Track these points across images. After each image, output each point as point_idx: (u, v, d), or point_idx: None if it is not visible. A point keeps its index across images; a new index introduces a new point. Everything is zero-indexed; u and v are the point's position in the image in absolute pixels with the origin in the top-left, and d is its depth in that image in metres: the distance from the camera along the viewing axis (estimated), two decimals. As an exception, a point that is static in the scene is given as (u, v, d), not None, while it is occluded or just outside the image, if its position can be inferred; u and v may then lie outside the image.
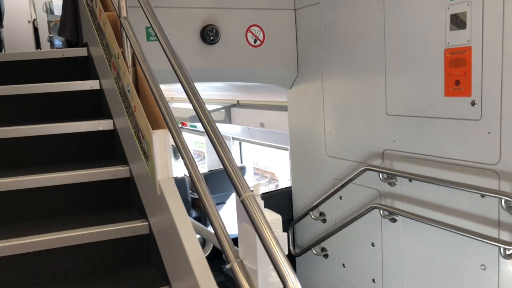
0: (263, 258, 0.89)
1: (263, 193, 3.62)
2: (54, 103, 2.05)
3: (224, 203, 4.66)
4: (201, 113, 1.11)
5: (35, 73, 2.21)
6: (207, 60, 2.59)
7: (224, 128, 4.60)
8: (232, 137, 5.15)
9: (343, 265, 2.78)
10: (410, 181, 2.19)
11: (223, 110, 4.18)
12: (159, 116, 1.40)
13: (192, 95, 1.16)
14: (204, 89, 4.33)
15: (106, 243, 1.54)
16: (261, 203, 0.91)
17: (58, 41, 6.87)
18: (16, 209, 1.65)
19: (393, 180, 2.28)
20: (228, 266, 0.93)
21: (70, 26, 2.22)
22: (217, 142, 1.03)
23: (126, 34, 1.55)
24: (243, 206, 0.88)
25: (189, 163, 1.20)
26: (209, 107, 5.30)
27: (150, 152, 1.38)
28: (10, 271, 1.43)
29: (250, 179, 5.50)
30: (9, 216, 1.62)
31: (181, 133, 1.33)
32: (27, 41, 5.96)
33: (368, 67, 2.36)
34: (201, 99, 1.16)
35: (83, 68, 2.22)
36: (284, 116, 3.32)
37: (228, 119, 4.25)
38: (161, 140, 1.36)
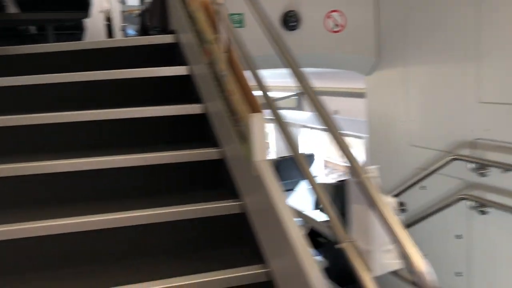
0: (378, 238, 0.89)
1: (338, 181, 3.59)
2: (143, 89, 2.16)
3: (292, 189, 4.69)
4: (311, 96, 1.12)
5: (122, 59, 2.33)
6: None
7: (293, 115, 4.61)
8: (301, 125, 5.15)
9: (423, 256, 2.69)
10: (506, 171, 2.06)
11: (295, 98, 4.19)
12: (255, 100, 1.43)
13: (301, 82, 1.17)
14: (273, 76, 4.35)
15: (201, 220, 1.62)
16: (378, 184, 0.91)
17: (131, 31, 7.22)
18: (115, 187, 1.78)
19: (485, 171, 2.16)
20: (340, 246, 0.94)
21: (159, 14, 2.32)
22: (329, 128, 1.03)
23: (221, 20, 1.59)
24: (360, 187, 0.88)
25: (292, 145, 1.22)
26: (281, 94, 5.34)
27: (247, 135, 1.41)
28: (118, 242, 1.55)
29: (319, 169, 5.47)
30: (113, 192, 1.74)
31: (281, 116, 1.36)
32: (99, 31, 6.22)
33: (457, 51, 2.24)
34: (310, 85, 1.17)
35: (169, 54, 2.31)
36: (359, 103, 3.26)
37: (300, 106, 4.25)
38: (258, 123, 1.39)
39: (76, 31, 4.40)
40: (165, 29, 2.36)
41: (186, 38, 2.08)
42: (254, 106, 1.41)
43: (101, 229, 1.52)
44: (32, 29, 4.14)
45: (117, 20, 7.50)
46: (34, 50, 2.28)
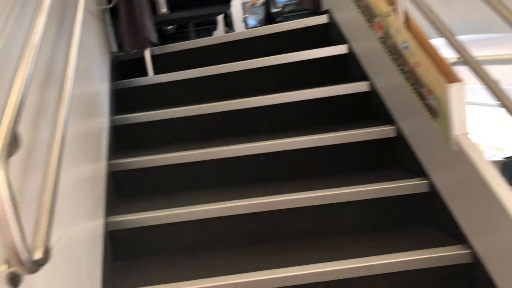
0: None
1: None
2: (301, 72, 2.18)
3: None
4: None
5: (276, 45, 2.38)
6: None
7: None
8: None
9: None
10: None
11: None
12: (451, 69, 1.34)
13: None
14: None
15: (383, 200, 1.58)
16: None
17: (252, 21, 7.42)
18: (290, 167, 1.82)
19: None
20: None
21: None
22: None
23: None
24: None
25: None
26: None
27: (442, 108, 1.33)
28: (305, 220, 1.58)
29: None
30: (290, 172, 1.79)
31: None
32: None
33: None
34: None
35: (322, 36, 2.30)
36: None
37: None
38: (458, 94, 1.29)
39: (210, 26, 4.66)
40: (316, 11, 2.34)
41: (345, 16, 2.04)
42: (450, 76, 1.32)
43: (293, 208, 1.57)
44: (171, 29, 4.47)
45: (238, 12, 7.79)
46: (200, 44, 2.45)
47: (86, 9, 1.52)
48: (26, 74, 0.85)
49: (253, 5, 6.88)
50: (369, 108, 1.92)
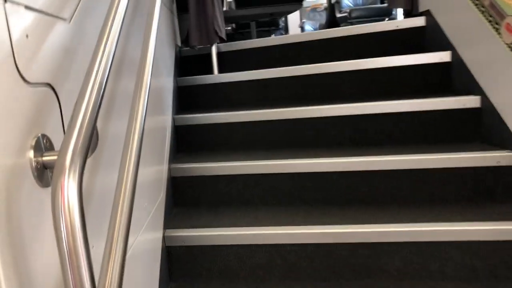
0: None
1: None
2: (391, 80, 1.89)
3: None
4: None
5: (350, 48, 2.11)
6: None
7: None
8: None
9: None
10: None
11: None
12: None
13: None
14: None
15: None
16: None
17: (309, 27, 7.17)
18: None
19: None
20: None
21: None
22: None
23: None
24: None
25: None
26: None
27: None
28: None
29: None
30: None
31: None
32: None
33: None
34: None
35: (416, 40, 2.00)
36: None
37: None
38: None
39: (271, 27, 4.45)
40: (410, 12, 2.05)
41: (453, 18, 1.74)
42: None
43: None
44: (230, 29, 4.30)
45: (295, 16, 7.57)
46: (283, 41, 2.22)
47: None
48: (104, 64, 0.64)
49: (313, 9, 6.62)
50: (482, 129, 1.60)
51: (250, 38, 3.78)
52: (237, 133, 1.83)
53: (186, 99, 2.11)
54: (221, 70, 2.28)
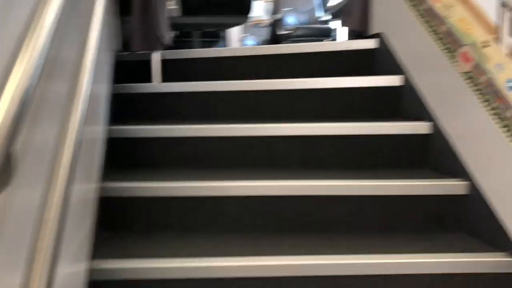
0: None
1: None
2: (341, 101, 1.84)
3: None
4: None
5: (300, 66, 2.05)
6: None
7: None
8: None
9: None
10: None
11: None
12: None
13: None
14: None
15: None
16: None
17: (250, 41, 7.15)
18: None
19: None
20: None
21: (357, 13, 1.98)
22: None
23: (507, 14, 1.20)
24: None
25: None
26: None
27: None
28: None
29: None
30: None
31: None
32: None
33: None
34: None
35: (366, 63, 1.98)
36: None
37: None
38: None
39: (214, 38, 4.32)
40: (361, 34, 2.03)
41: (407, 42, 1.73)
42: None
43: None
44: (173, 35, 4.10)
45: (236, 30, 7.52)
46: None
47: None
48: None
49: (256, 24, 6.60)
50: (431, 156, 1.59)
51: (192, 47, 3.62)
52: (180, 149, 1.67)
53: (124, 109, 1.91)
54: (166, 79, 2.11)
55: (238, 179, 1.45)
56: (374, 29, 1.98)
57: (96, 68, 1.45)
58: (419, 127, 1.58)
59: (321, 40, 4.11)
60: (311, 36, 4.45)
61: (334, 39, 4.30)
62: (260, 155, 1.66)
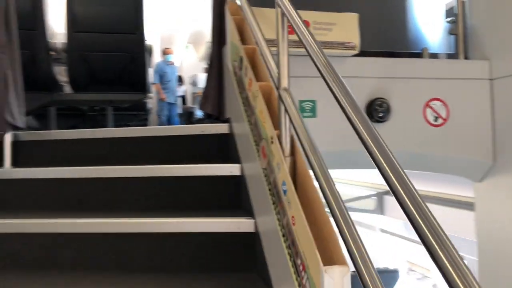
0: None
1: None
2: (188, 188, 1.68)
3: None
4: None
5: (171, 150, 1.92)
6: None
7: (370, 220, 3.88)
8: (380, 229, 4.34)
9: None
10: None
11: (375, 198, 3.50)
12: (334, 241, 0.86)
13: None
14: (350, 170, 3.74)
15: None
16: None
17: (199, 113, 7.14)
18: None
19: None
20: None
21: (213, 99, 1.91)
22: None
23: (287, 111, 1.09)
24: None
25: None
26: (358, 191, 4.60)
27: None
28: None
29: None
30: None
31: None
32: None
33: None
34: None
35: (222, 147, 1.85)
36: (463, 215, 2.52)
37: (379, 209, 3.53)
38: (337, 285, 0.80)
39: (139, 112, 4.21)
40: (218, 117, 1.93)
41: (240, 130, 1.62)
42: (330, 252, 0.84)
43: None
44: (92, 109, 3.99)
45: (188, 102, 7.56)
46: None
47: None
48: None
49: (198, 97, 6.65)
50: (255, 257, 1.40)
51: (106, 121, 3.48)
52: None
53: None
54: (21, 163, 1.95)
55: None
56: (228, 114, 1.88)
57: None
58: (243, 224, 1.41)
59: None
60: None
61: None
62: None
